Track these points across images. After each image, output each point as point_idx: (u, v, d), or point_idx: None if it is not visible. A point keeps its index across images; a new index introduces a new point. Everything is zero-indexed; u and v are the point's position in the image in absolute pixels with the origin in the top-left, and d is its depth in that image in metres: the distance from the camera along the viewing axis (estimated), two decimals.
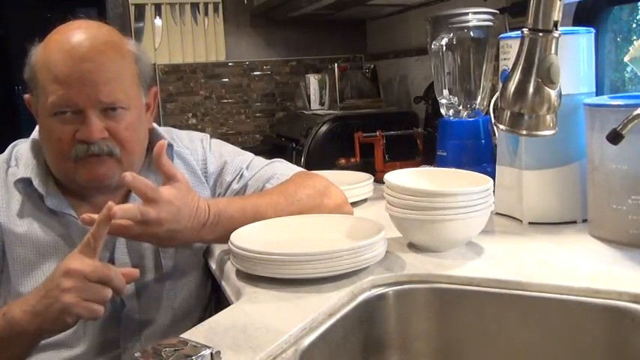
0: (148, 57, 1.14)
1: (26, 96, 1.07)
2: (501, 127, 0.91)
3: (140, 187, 0.89)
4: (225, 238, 0.99)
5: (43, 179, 1.06)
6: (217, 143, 1.24)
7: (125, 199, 1.08)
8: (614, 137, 0.89)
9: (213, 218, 0.98)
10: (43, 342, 1.00)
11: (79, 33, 1.02)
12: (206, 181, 1.18)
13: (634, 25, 1.42)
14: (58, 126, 1.00)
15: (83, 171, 1.02)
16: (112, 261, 1.06)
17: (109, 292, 0.85)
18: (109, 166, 1.03)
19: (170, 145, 1.15)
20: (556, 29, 0.84)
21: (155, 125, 1.17)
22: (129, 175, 0.88)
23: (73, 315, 0.84)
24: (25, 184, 1.05)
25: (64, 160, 1.02)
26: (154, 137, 1.13)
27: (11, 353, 0.90)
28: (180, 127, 2.46)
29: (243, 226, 1.00)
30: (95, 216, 0.86)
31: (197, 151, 1.19)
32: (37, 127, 1.12)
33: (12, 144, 1.12)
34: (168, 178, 0.94)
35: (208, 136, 1.25)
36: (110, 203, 0.84)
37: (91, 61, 0.99)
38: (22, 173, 1.06)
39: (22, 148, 1.11)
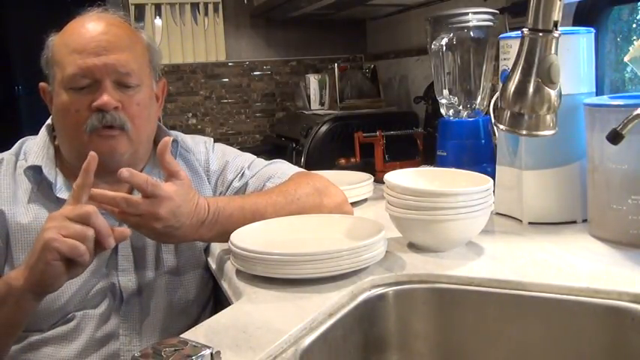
0: (160, 50, 1.18)
1: (42, 84, 1.11)
2: (501, 127, 0.91)
3: (139, 182, 0.89)
4: (223, 237, 1.00)
5: (53, 168, 1.08)
6: (220, 145, 1.26)
7: (130, 189, 1.09)
8: (614, 137, 0.89)
9: (213, 216, 0.98)
10: (43, 336, 1.02)
11: (95, 17, 1.09)
12: (208, 179, 1.20)
13: (634, 25, 1.42)
14: (75, 98, 1.04)
15: (98, 143, 1.04)
16: (115, 251, 1.07)
17: (89, 230, 0.85)
18: (121, 141, 1.06)
19: (175, 141, 1.18)
20: (556, 29, 0.84)
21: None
22: (125, 172, 0.88)
23: (52, 250, 0.83)
24: (35, 172, 1.07)
25: (79, 132, 1.04)
26: (160, 134, 1.16)
27: (8, 315, 0.90)
28: (181, 127, 2.48)
29: (242, 224, 1.00)
30: (98, 190, 0.90)
31: (200, 151, 1.22)
32: (49, 120, 1.15)
33: (21, 140, 1.15)
34: (171, 175, 0.95)
35: (212, 139, 1.27)
36: (92, 153, 0.89)
37: (107, 33, 1.06)
38: (32, 161, 1.08)
39: (31, 143, 1.13)
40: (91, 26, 1.06)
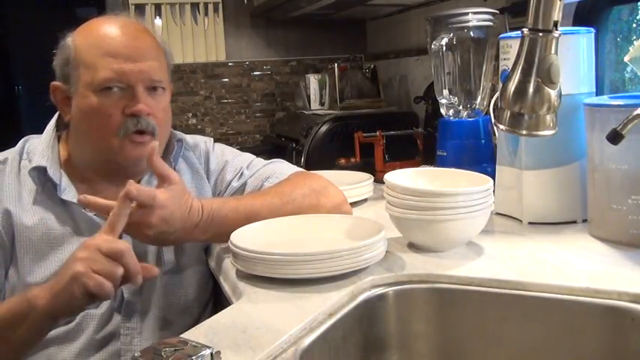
0: (172, 54, 1.18)
1: (54, 83, 1.09)
2: (501, 127, 0.91)
3: (143, 199, 0.89)
4: (218, 238, 1.01)
5: (57, 169, 1.08)
6: (219, 145, 1.27)
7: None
8: (614, 137, 0.89)
9: (207, 219, 0.99)
10: (45, 338, 1.01)
11: (121, 21, 1.09)
12: (207, 179, 1.20)
13: (634, 25, 1.42)
14: (106, 102, 1.03)
15: (130, 149, 1.04)
16: None
17: (119, 269, 0.84)
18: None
19: (180, 141, 1.18)
20: (556, 29, 0.84)
21: None
22: (134, 191, 0.87)
23: (80, 284, 0.83)
24: (39, 172, 1.07)
25: (111, 135, 1.04)
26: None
27: (26, 332, 0.90)
28: (180, 127, 2.48)
29: (237, 226, 1.00)
30: (92, 197, 0.90)
31: (200, 151, 1.22)
32: (52, 120, 1.14)
33: (24, 138, 1.14)
34: (163, 180, 0.95)
35: (212, 139, 1.27)
36: (130, 180, 0.88)
37: (142, 40, 1.08)
38: (37, 162, 1.07)
39: (34, 142, 1.12)
40: (122, 31, 1.06)
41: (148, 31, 1.11)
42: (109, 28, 1.06)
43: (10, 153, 1.11)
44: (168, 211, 0.92)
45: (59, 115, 1.14)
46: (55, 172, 1.07)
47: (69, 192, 1.06)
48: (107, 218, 0.90)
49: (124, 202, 0.86)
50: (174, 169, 1.16)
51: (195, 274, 1.15)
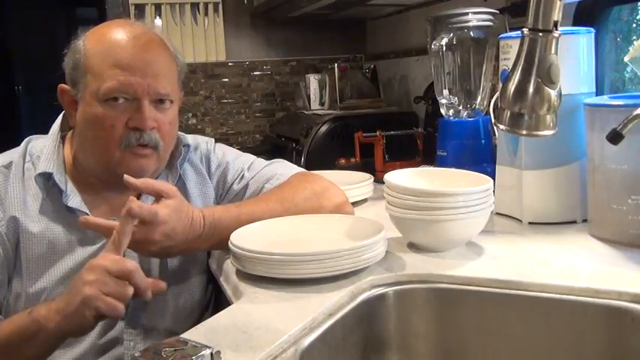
0: (184, 63, 1.16)
1: (62, 86, 1.08)
2: (501, 127, 0.91)
3: (143, 215, 0.89)
4: (220, 246, 1.01)
5: (62, 175, 1.06)
6: (220, 146, 1.26)
7: (138, 195, 1.08)
8: (614, 137, 0.89)
9: (209, 229, 0.99)
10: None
11: (132, 27, 1.07)
12: (210, 180, 1.20)
13: (634, 25, 1.42)
14: (111, 113, 1.02)
15: (130, 161, 1.03)
16: None
17: (129, 290, 0.83)
18: (151, 160, 1.05)
19: (187, 146, 1.18)
20: (556, 29, 0.84)
21: None
22: (136, 208, 0.87)
23: (92, 308, 0.82)
24: (44, 178, 1.05)
25: (113, 147, 1.03)
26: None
27: (34, 352, 0.89)
28: (181, 127, 2.47)
29: None
30: (92, 219, 0.90)
31: (201, 151, 1.21)
32: (57, 122, 1.13)
33: (26, 139, 1.12)
34: (160, 196, 0.95)
35: (213, 139, 1.27)
36: (132, 197, 0.88)
37: (153, 52, 1.05)
38: (43, 167, 1.05)
39: (38, 143, 1.10)
40: (133, 41, 1.03)
41: (162, 41, 1.08)
42: (120, 37, 1.04)
43: (14, 155, 1.08)
44: (169, 227, 0.92)
45: (64, 115, 1.13)
46: (61, 179, 1.05)
47: (74, 199, 1.05)
48: (108, 236, 0.89)
49: (127, 220, 0.86)
50: (181, 174, 1.16)
51: (198, 278, 1.15)
